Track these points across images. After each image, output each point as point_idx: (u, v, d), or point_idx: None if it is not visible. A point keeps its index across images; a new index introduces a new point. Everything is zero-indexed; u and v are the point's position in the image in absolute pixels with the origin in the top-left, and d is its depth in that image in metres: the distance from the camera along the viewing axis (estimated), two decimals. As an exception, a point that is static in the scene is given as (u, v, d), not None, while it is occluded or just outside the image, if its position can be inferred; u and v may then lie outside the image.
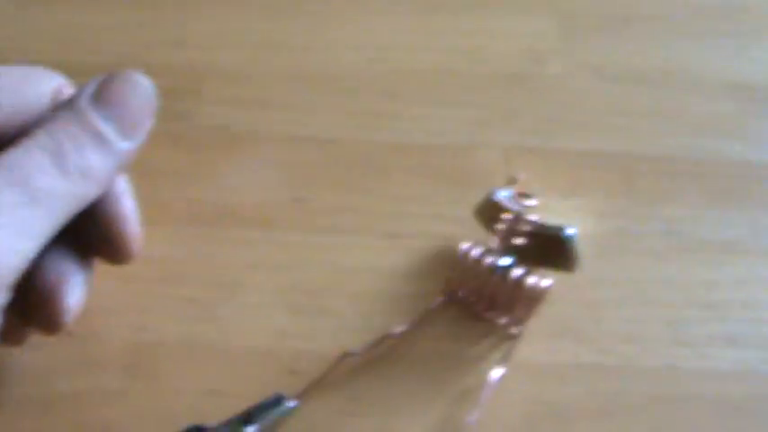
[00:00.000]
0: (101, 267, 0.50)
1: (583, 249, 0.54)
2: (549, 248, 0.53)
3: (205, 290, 0.56)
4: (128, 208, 0.48)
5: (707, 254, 0.58)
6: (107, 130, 0.43)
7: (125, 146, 0.44)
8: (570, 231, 0.52)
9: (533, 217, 0.52)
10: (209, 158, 0.63)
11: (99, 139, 0.43)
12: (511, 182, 0.52)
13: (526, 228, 0.52)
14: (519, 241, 0.51)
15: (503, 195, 0.53)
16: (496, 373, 0.51)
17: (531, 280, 0.52)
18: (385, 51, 0.70)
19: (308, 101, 0.66)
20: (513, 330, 0.53)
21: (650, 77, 0.69)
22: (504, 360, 0.52)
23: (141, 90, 0.45)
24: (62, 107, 0.43)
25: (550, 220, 0.54)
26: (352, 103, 0.67)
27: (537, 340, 0.54)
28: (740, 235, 0.59)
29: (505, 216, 0.52)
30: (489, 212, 0.54)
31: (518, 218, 0.52)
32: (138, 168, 0.56)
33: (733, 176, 0.62)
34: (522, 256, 0.53)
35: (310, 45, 0.70)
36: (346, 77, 0.68)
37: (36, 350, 0.52)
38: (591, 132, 0.65)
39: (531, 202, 0.52)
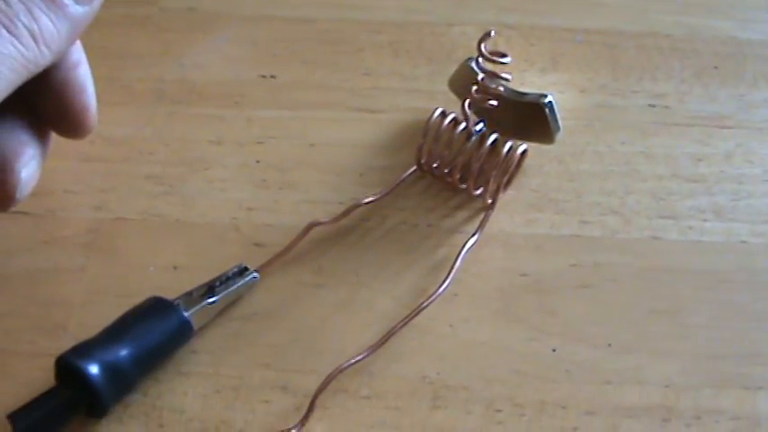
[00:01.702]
0: (62, 147, 0.49)
1: (564, 123, 0.52)
2: (526, 118, 0.51)
3: (168, 167, 0.54)
4: (83, 77, 0.46)
5: (693, 128, 0.56)
6: None
7: (79, 10, 0.41)
8: (548, 99, 0.50)
9: (507, 76, 0.48)
10: (175, 39, 0.60)
11: (51, 2, 0.40)
12: (484, 38, 0.49)
13: (500, 88, 0.49)
14: (493, 103, 0.49)
15: (478, 56, 0.50)
16: (470, 243, 0.48)
17: (506, 146, 0.49)
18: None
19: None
20: (488, 200, 0.50)
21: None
22: (477, 230, 0.49)
23: None
24: None
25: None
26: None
27: (514, 211, 0.52)
28: (727, 110, 0.57)
29: (479, 77, 0.49)
30: (463, 81, 0.52)
31: (491, 76, 0.49)
32: (101, 51, 0.55)
33: (720, 53, 0.60)
34: (499, 127, 0.51)
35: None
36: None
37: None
38: (572, 8, 0.63)
39: (505, 60, 0.49)
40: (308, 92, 0.57)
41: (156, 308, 0.46)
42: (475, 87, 0.49)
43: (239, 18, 0.61)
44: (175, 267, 0.49)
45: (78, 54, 0.46)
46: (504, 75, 0.48)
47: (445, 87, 0.54)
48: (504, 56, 0.48)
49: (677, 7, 0.63)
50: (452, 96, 0.53)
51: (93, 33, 0.43)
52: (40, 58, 0.40)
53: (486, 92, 0.49)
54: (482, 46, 0.48)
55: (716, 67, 0.59)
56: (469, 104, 0.49)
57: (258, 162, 0.53)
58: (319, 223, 0.49)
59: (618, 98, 0.57)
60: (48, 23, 0.40)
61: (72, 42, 0.43)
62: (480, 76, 0.49)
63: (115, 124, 0.55)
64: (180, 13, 0.62)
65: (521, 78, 0.57)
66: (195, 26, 0.61)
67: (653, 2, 0.63)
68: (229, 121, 0.55)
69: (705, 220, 0.51)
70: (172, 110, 0.56)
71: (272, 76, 0.58)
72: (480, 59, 0.49)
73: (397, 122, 0.55)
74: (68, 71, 0.45)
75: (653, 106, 0.57)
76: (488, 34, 0.47)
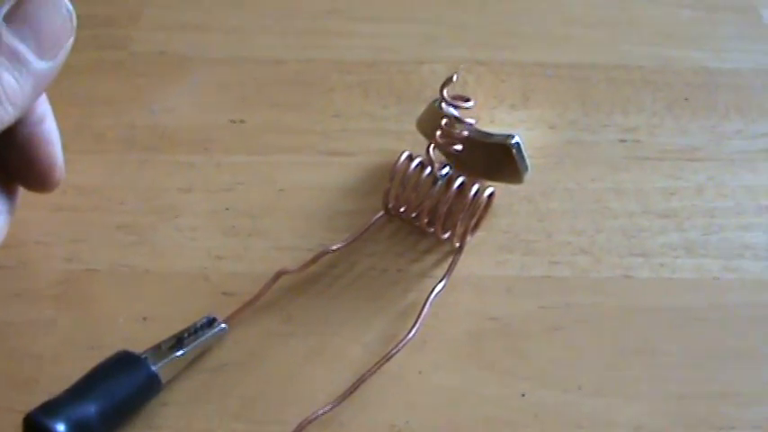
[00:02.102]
0: (32, 197, 0.49)
1: (533, 161, 0.52)
2: (494, 159, 0.51)
3: (138, 216, 0.53)
4: (49, 131, 0.46)
5: (665, 162, 0.56)
6: (23, 49, 0.40)
7: (43, 66, 0.41)
8: (515, 139, 0.49)
9: (471, 121, 0.48)
10: (145, 84, 0.60)
11: (14, 58, 0.40)
12: (446, 83, 0.48)
13: (464, 132, 0.48)
14: (457, 147, 0.48)
15: (440, 101, 0.49)
16: (438, 288, 0.48)
17: (473, 189, 0.49)
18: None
19: (247, 23, 0.64)
20: (456, 244, 0.50)
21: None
22: (446, 275, 0.49)
23: (59, 11, 0.42)
24: None
25: (498, 131, 0.51)
26: (292, 22, 0.64)
27: (483, 253, 0.52)
28: (699, 142, 0.57)
29: (443, 121, 0.49)
30: (431, 122, 0.51)
31: (455, 121, 0.49)
32: (71, 97, 0.56)
33: (691, 84, 0.60)
34: (467, 168, 0.51)
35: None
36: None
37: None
38: (542, 42, 0.63)
39: (468, 104, 0.49)
40: (278, 136, 0.57)
41: (123, 362, 0.45)
42: (439, 132, 0.48)
43: (209, 61, 0.61)
44: (145, 318, 0.49)
45: (44, 108, 0.46)
46: (467, 120, 0.48)
47: (414, 128, 0.54)
48: (467, 100, 0.48)
49: (648, 38, 0.63)
50: (421, 137, 0.53)
51: (62, 79, 0.43)
52: (4, 116, 0.40)
53: (450, 136, 0.48)
54: (444, 91, 0.48)
55: (687, 99, 0.59)
56: (434, 148, 0.49)
57: (227, 209, 0.53)
58: (288, 271, 0.48)
59: (588, 133, 0.57)
60: (11, 81, 0.40)
61: (36, 98, 0.42)
62: (444, 120, 0.48)
63: (86, 173, 0.54)
64: (150, 57, 0.62)
65: (490, 116, 0.57)
66: (166, 70, 0.61)
67: (623, 33, 0.63)
68: (199, 167, 0.55)
69: (677, 257, 0.51)
70: (142, 157, 0.56)
71: (242, 121, 0.57)
72: (444, 104, 0.48)
73: (366, 165, 0.55)
74: (34, 126, 0.45)
75: (624, 141, 0.56)
76: (450, 79, 0.47)
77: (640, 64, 0.61)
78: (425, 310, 0.47)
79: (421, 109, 0.54)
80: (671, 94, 0.59)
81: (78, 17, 0.42)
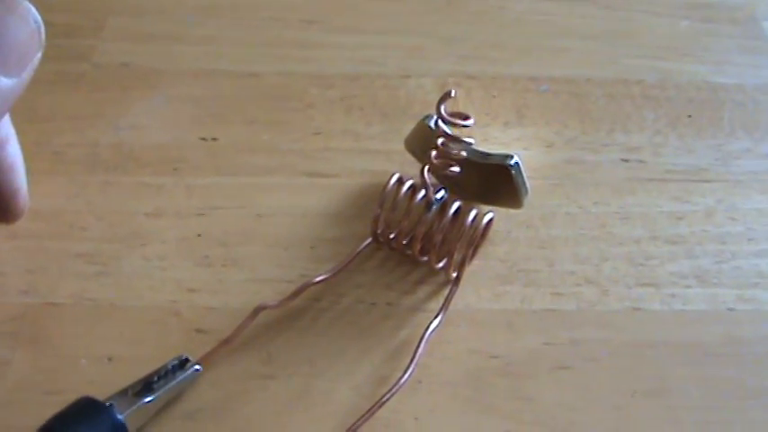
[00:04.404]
0: None
1: (532, 183, 0.48)
2: (491, 182, 0.47)
3: (102, 244, 0.49)
4: (12, 156, 0.43)
5: (671, 183, 0.53)
6: None
7: (7, 83, 0.37)
8: (513, 160, 0.46)
9: (470, 140, 0.44)
10: (110, 99, 0.56)
11: None
12: (443, 98, 0.44)
13: (462, 153, 0.45)
14: (455, 169, 0.45)
15: (434, 119, 0.45)
16: (434, 324, 0.44)
17: (471, 215, 0.45)
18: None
19: (220, 33, 0.61)
20: (453, 274, 0.46)
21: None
22: (442, 309, 0.45)
23: (26, 22, 0.38)
24: None
25: (492, 151, 0.48)
26: (269, 32, 0.61)
27: (481, 285, 0.48)
28: (705, 162, 0.54)
29: (439, 141, 0.45)
30: (421, 141, 0.48)
31: (452, 141, 0.45)
32: (29, 113, 0.51)
33: (694, 100, 0.57)
34: (462, 191, 0.47)
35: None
36: (264, 5, 0.62)
37: None
38: (536, 55, 0.59)
39: (468, 123, 0.45)
40: (254, 155, 0.53)
41: (86, 410, 0.41)
42: (434, 152, 0.44)
43: (178, 74, 0.58)
44: (110, 359, 0.45)
45: (6, 130, 0.42)
46: (466, 138, 0.44)
47: (402, 147, 0.50)
48: (466, 118, 0.45)
49: (647, 51, 0.60)
50: (410, 157, 0.50)
51: (19, 94, 0.39)
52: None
53: (447, 157, 0.45)
54: (442, 107, 0.44)
55: (690, 116, 0.56)
56: (429, 170, 0.45)
57: (200, 236, 0.49)
58: (267, 306, 0.45)
59: (588, 153, 0.53)
60: None
61: (0, 117, 0.39)
62: (440, 140, 0.44)
63: (44, 196, 0.50)
64: (115, 70, 0.58)
65: (483, 134, 0.54)
66: (131, 83, 0.57)
67: (622, 46, 0.60)
68: (168, 190, 0.51)
69: (688, 287, 0.48)
70: (106, 179, 0.52)
71: (214, 139, 0.54)
72: (440, 121, 0.44)
73: (351, 187, 0.51)
74: (-4, 150, 0.41)
75: (626, 161, 0.53)
76: (448, 94, 0.43)
77: (640, 78, 0.58)
78: (420, 348, 0.44)
79: (408, 126, 0.51)
80: (673, 111, 0.56)
81: (38, 26, 0.38)
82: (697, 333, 0.47)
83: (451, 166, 0.45)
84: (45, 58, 0.53)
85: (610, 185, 0.52)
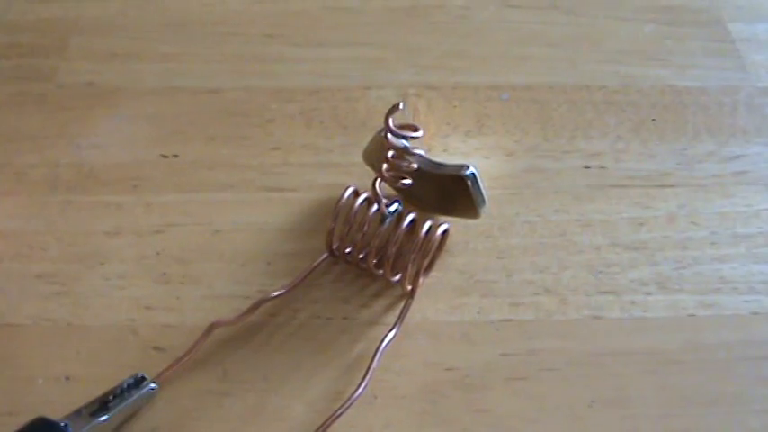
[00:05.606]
0: None
1: (491, 192, 0.48)
2: (448, 193, 0.47)
3: (61, 263, 0.49)
4: None
5: (632, 189, 0.52)
6: None
7: None
8: (469, 170, 0.45)
9: (420, 151, 0.44)
10: (72, 118, 0.56)
11: None
12: (391, 111, 0.44)
13: (413, 165, 0.44)
14: (407, 182, 0.44)
15: (385, 132, 0.45)
16: (388, 337, 0.43)
17: (425, 227, 0.44)
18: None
19: (181, 50, 0.60)
20: (407, 287, 0.45)
21: (561, 3, 0.62)
22: (397, 322, 0.45)
23: None
24: None
25: (452, 161, 0.47)
26: (230, 48, 0.60)
27: (438, 297, 0.47)
28: (668, 167, 0.53)
29: (389, 153, 0.44)
30: (378, 154, 0.47)
31: (403, 153, 0.44)
32: None
33: (657, 105, 0.57)
34: (419, 203, 0.46)
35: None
36: (224, 21, 0.62)
37: None
38: (497, 63, 0.59)
39: (417, 134, 0.44)
40: (213, 171, 0.53)
41: (40, 430, 0.41)
42: (385, 165, 0.44)
43: (140, 92, 0.57)
44: (67, 378, 0.44)
45: None
46: (416, 150, 0.44)
47: (361, 159, 0.49)
48: (415, 130, 0.44)
49: (610, 56, 0.59)
50: (369, 170, 0.49)
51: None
52: None
53: (398, 169, 0.44)
54: (389, 120, 0.44)
55: (654, 120, 0.55)
56: (380, 183, 0.44)
57: (158, 254, 0.49)
58: (222, 323, 0.44)
59: (549, 160, 0.53)
60: None
61: None
62: (390, 153, 0.44)
63: (4, 216, 0.50)
64: (78, 89, 0.58)
65: (443, 144, 0.53)
66: (94, 103, 0.57)
67: (585, 52, 0.59)
68: (127, 208, 0.51)
69: (648, 294, 0.47)
70: (66, 198, 0.52)
71: (175, 156, 0.53)
72: (389, 134, 0.44)
73: (309, 202, 0.51)
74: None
75: (588, 167, 0.52)
76: (396, 106, 0.43)
77: (602, 84, 0.57)
78: (375, 362, 0.43)
79: (368, 139, 0.50)
80: (636, 116, 0.55)
81: (-1, 46, 0.38)
82: (657, 340, 0.46)
83: (403, 178, 0.45)
84: (6, 79, 0.53)
85: (570, 193, 0.51)
